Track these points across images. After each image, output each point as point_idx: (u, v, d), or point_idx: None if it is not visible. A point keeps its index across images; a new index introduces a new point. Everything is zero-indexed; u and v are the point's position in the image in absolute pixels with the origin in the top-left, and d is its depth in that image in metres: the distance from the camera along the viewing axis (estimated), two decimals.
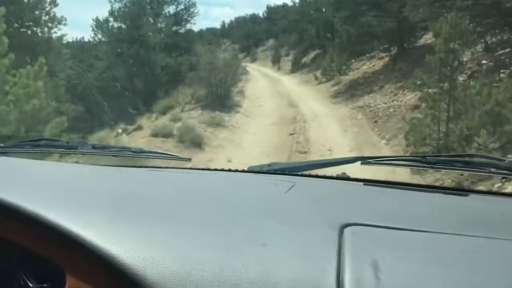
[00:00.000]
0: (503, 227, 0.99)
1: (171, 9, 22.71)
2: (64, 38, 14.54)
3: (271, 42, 51.10)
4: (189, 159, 1.92)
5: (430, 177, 6.65)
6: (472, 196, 1.26)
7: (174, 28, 22.89)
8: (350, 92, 17.70)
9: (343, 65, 22.34)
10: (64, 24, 14.30)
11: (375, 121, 12.02)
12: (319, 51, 32.88)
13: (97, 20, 20.46)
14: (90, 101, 18.45)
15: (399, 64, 17.50)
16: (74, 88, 18.49)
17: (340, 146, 9.14)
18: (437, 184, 6.08)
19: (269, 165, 1.57)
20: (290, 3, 46.26)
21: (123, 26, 19.74)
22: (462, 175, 5.60)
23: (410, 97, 13.67)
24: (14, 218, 0.78)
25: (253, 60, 50.33)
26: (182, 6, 22.80)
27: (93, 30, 20.55)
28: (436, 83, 8.00)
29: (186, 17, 23.03)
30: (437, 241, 0.83)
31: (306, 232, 0.83)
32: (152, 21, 21.60)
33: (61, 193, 0.98)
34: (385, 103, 13.98)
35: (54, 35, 14.00)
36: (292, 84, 24.54)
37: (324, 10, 20.61)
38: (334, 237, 0.77)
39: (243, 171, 1.57)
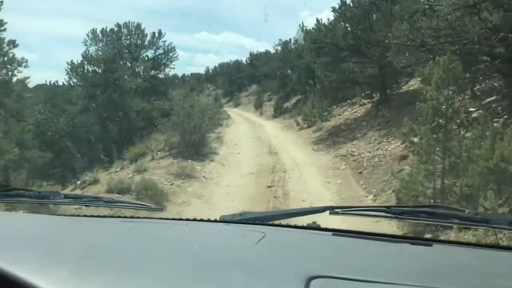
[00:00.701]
0: (464, 277, 1.00)
1: (149, 53, 21.87)
2: (27, 81, 13.49)
3: (254, 87, 50.86)
4: (161, 209, 2.01)
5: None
6: (436, 246, 1.29)
7: (152, 72, 21.97)
8: (332, 138, 16.77)
9: (324, 111, 21.56)
10: (25, 66, 13.23)
11: (360, 172, 10.96)
12: (301, 97, 32.33)
13: (71, 63, 19.56)
14: (60, 147, 17.20)
15: (382, 110, 16.71)
16: (43, 133, 17.28)
17: (322, 202, 7.98)
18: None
19: (240, 214, 1.57)
20: (272, 50, 46.23)
21: (98, 70, 18.79)
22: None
23: (395, 146, 12.72)
24: None
25: (236, 104, 49.88)
26: (161, 51, 21.98)
27: (67, 73, 19.61)
28: (429, 133, 6.99)
29: (165, 61, 22.15)
30: None
31: (273, 285, 0.82)
32: (129, 64, 20.70)
33: (29, 246, 0.96)
34: (369, 152, 13.01)
35: (14, 78, 12.89)
36: (274, 129, 23.64)
37: (304, 56, 19.78)
38: None
39: (215, 220, 1.56)
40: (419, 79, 18.00)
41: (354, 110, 20.27)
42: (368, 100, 18.72)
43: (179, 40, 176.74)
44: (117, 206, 2.00)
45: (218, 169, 11.70)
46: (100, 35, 20.04)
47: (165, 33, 21.51)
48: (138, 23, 21.08)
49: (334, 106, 22.53)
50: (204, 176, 10.65)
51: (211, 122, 14.07)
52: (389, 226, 6.30)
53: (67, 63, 19.62)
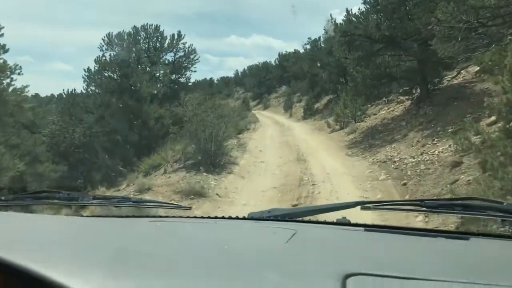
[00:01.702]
0: (505, 271, 0.95)
1: (169, 57, 20.42)
2: (26, 89, 12.19)
3: (283, 88, 49.13)
4: (190, 208, 2.03)
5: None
6: (473, 239, 1.23)
7: (173, 76, 20.49)
8: (368, 141, 14.85)
9: (358, 110, 19.62)
10: (19, 73, 11.94)
11: (404, 184, 9.06)
12: (332, 96, 30.38)
13: (88, 69, 18.33)
14: (77, 159, 15.96)
15: (424, 108, 14.65)
16: (57, 145, 16.09)
17: None
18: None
19: (268, 211, 1.54)
20: (301, 50, 44.32)
21: (112, 76, 17.47)
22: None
23: (443, 149, 10.75)
24: (16, 276, 0.74)
25: (266, 107, 48.35)
26: (181, 53, 20.46)
27: (85, 80, 18.42)
28: (504, 136, 5.11)
29: (185, 64, 20.65)
30: None
31: (308, 284, 0.79)
32: (148, 69, 19.32)
33: (60, 248, 0.95)
34: (413, 157, 11.08)
35: (10, 87, 11.59)
36: (303, 132, 21.82)
37: (334, 52, 17.91)
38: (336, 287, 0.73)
39: (244, 218, 1.54)
40: (465, 70, 15.91)
41: (391, 109, 18.24)
42: (407, 97, 16.67)
43: (208, 45, 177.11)
44: (145, 206, 1.87)
45: (236, 183, 10.03)
46: (116, 39, 18.82)
47: (184, 35, 20.03)
48: (157, 25, 19.92)
49: (369, 105, 20.56)
50: (217, 194, 8.98)
51: (232, 128, 12.39)
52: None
53: (84, 70, 18.58)
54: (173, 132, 10.91)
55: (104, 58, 17.76)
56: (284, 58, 52.90)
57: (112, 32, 18.54)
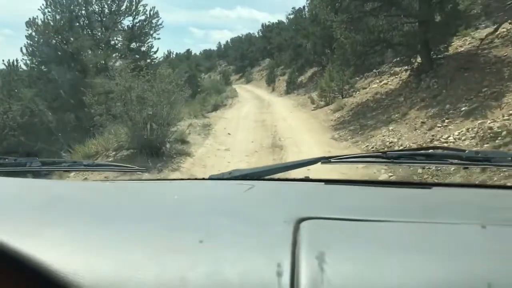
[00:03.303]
0: (463, 213, 0.93)
1: (126, 21, 17.08)
2: None
3: (267, 61, 45.99)
4: (145, 170, 2.35)
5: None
6: (435, 188, 1.20)
7: (133, 45, 17.22)
8: (359, 121, 12.07)
9: (345, 83, 16.78)
10: None
11: None
12: (317, 69, 27.50)
13: (30, 36, 14.92)
14: (12, 144, 12.93)
15: (426, 81, 11.84)
16: None
17: None
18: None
19: (229, 172, 1.45)
20: (286, 21, 41.04)
21: (52, 42, 14.20)
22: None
23: (460, 134, 8.04)
24: None
25: (248, 81, 45.43)
26: (141, 17, 17.11)
27: (26, 49, 15.10)
28: None
29: (147, 30, 17.34)
30: (393, 229, 0.77)
31: (260, 228, 0.77)
32: (101, 35, 16.09)
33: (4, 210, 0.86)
34: (419, 144, 8.36)
35: None
36: (284, 109, 18.99)
37: (319, 15, 14.89)
38: (289, 231, 0.72)
39: (203, 179, 1.47)
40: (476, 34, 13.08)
41: (384, 82, 15.42)
42: (405, 68, 13.82)
43: (192, 17, 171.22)
44: (98, 170, 1.82)
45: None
46: None
47: None
48: None
49: (357, 78, 17.73)
50: None
51: (190, 106, 9.44)
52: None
53: (26, 36, 15.21)
54: (100, 113, 7.90)
55: (41, 20, 14.44)
56: (267, 29, 49.60)
57: None
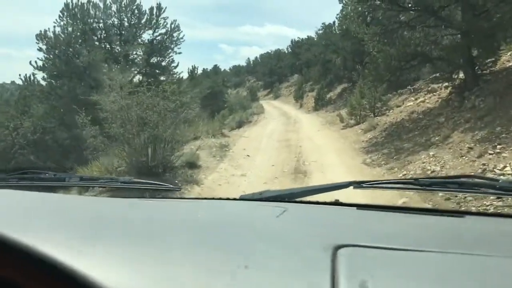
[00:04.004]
0: (500, 245, 0.90)
1: (146, 35, 16.23)
2: None
3: (295, 77, 44.91)
4: (179, 188, 2.00)
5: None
6: (468, 217, 1.18)
7: (153, 59, 16.35)
8: (393, 143, 10.75)
9: (377, 100, 15.46)
10: None
11: None
12: (347, 85, 26.21)
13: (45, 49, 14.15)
14: (20, 163, 12.14)
15: (471, 99, 10.44)
16: None
17: None
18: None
19: (260, 193, 1.47)
20: (315, 37, 39.86)
21: (62, 56, 13.35)
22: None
23: None
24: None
25: (276, 96, 44.38)
26: (162, 30, 16.24)
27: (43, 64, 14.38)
28: None
29: (167, 43, 16.45)
30: (431, 260, 0.75)
31: (298, 254, 0.76)
32: (119, 49, 15.31)
33: (42, 221, 0.87)
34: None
35: None
36: (311, 127, 17.76)
37: (349, 26, 13.70)
38: (327, 258, 0.71)
39: (234, 199, 1.49)
40: None
41: (421, 99, 14.02)
42: (445, 84, 12.43)
43: (223, 34, 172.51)
44: (134, 187, 1.69)
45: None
46: (76, 10, 14.49)
47: (166, 8, 15.85)
48: None
49: (389, 95, 16.37)
50: None
51: (206, 126, 8.35)
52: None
53: (38, 49, 14.40)
54: (94, 135, 6.87)
55: (52, 33, 13.67)
56: (296, 45, 48.59)
57: (71, 1, 14.38)
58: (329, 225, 1.08)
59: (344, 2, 11.34)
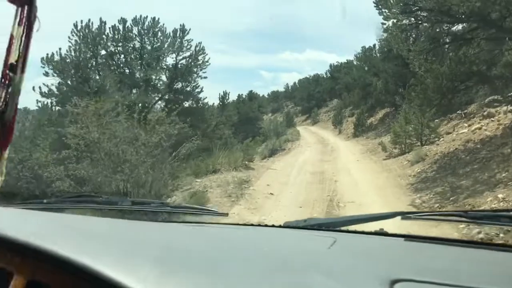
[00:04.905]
0: None
1: (170, 60, 15.04)
2: None
3: (334, 102, 43.05)
4: (226, 214, 1.88)
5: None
6: None
7: (180, 84, 15.09)
8: (447, 178, 8.85)
9: (425, 127, 13.51)
10: None
11: None
12: (389, 110, 24.24)
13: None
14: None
15: None
16: None
17: None
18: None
19: (305, 220, 1.47)
20: (355, 61, 38.03)
21: (68, 80, 12.23)
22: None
23: None
24: (63, 271, 0.72)
25: (315, 122, 42.60)
26: (186, 54, 15.01)
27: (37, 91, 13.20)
28: None
29: (191, 67, 15.18)
30: None
31: (356, 287, 0.75)
32: (141, 74, 14.19)
33: (106, 246, 0.88)
34: None
35: None
36: (350, 156, 15.98)
37: (391, 42, 11.98)
38: None
39: (280, 226, 1.47)
40: None
41: (476, 126, 12.00)
42: (505, 108, 10.44)
43: (262, 61, 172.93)
44: (183, 212, 1.83)
45: None
46: (85, 31, 13.31)
47: (190, 29, 14.72)
48: (154, 17, 14.68)
49: (437, 120, 14.33)
50: None
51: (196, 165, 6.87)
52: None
53: (44, 74, 13.27)
54: (59, 177, 5.53)
55: (58, 55, 12.59)
56: (335, 69, 46.86)
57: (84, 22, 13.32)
58: (380, 257, 1.05)
59: (384, 14, 9.55)
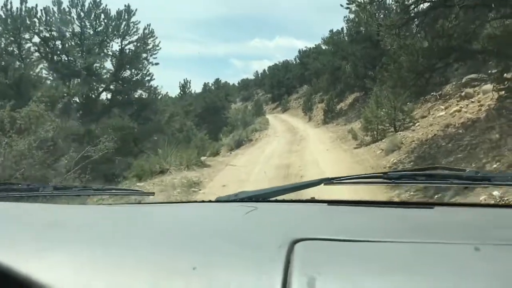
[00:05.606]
0: (460, 233, 0.88)
1: (115, 45, 13.27)
2: None
3: (304, 88, 41.86)
4: (152, 193, 1.84)
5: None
6: (437, 208, 1.14)
7: (124, 72, 13.33)
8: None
9: (399, 111, 12.28)
10: None
11: None
12: (359, 94, 23.09)
13: None
14: None
15: None
16: None
17: None
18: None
19: (235, 194, 1.43)
20: (323, 46, 36.71)
21: None
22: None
23: None
24: None
25: (285, 109, 41.44)
26: (133, 38, 13.26)
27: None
28: None
29: (139, 52, 13.44)
30: (389, 250, 0.73)
31: (255, 250, 0.74)
32: (81, 62, 12.36)
33: (19, 233, 0.86)
34: None
35: None
36: (319, 146, 14.69)
37: (358, 18, 10.64)
38: (283, 253, 0.69)
39: (209, 201, 1.43)
40: None
41: (455, 108, 10.82)
42: (499, 85, 9.16)
43: (232, 49, 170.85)
44: (107, 194, 1.94)
45: None
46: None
47: (136, 9, 12.94)
48: None
49: (409, 103, 13.09)
50: None
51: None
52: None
53: None
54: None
55: None
56: (304, 54, 45.67)
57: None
58: (295, 221, 1.03)
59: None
